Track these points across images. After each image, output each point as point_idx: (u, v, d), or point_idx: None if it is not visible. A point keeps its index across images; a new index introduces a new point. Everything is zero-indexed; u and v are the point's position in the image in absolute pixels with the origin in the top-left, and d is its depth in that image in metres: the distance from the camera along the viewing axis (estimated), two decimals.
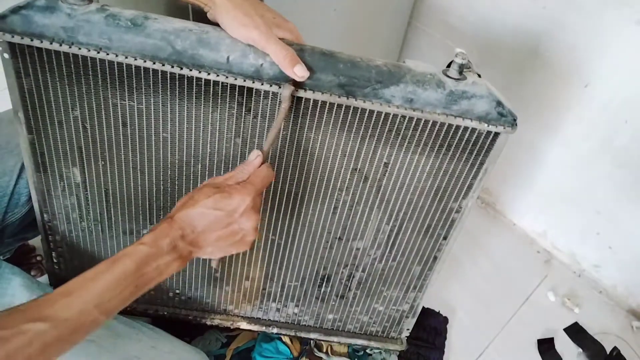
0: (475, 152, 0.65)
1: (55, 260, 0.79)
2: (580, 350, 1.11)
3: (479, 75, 0.63)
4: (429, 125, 0.62)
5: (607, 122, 1.10)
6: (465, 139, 0.63)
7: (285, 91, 0.57)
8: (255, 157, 0.57)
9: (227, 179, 0.55)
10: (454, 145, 0.64)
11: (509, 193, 1.39)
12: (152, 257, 0.50)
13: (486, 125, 0.61)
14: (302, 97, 0.59)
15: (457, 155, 0.65)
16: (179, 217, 0.53)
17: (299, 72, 0.56)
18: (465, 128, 0.62)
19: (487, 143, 0.64)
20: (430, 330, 1.06)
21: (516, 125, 0.61)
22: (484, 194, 1.45)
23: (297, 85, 0.58)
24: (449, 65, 0.62)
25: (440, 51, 1.38)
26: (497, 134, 0.62)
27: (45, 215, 0.73)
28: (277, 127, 0.58)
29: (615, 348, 1.11)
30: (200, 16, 0.61)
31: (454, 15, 1.31)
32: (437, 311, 1.10)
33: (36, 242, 0.99)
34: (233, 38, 0.57)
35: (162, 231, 0.52)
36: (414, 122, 0.62)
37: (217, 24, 0.58)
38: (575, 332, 1.14)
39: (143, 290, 0.51)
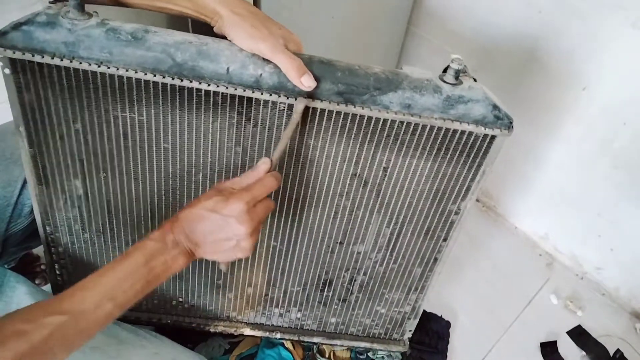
0: (472, 154, 0.65)
1: (58, 272, 0.79)
2: (584, 353, 1.11)
3: (475, 80, 0.64)
4: (427, 130, 0.63)
5: (606, 124, 1.10)
6: (462, 142, 0.64)
7: (299, 105, 0.58)
8: (262, 164, 0.58)
9: (233, 183, 0.57)
10: (451, 149, 0.65)
11: (510, 196, 1.39)
12: (160, 251, 0.55)
13: (483, 128, 0.62)
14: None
15: (455, 158, 0.66)
16: (181, 215, 0.56)
17: (306, 82, 0.57)
18: (463, 132, 0.63)
19: (485, 146, 0.64)
20: (433, 334, 1.06)
21: (512, 127, 0.62)
22: (485, 197, 1.45)
23: (310, 96, 0.59)
24: (445, 71, 0.63)
25: (439, 57, 1.38)
26: (494, 137, 0.63)
27: (47, 228, 0.73)
28: (287, 137, 0.59)
29: (618, 350, 1.11)
30: (199, 29, 0.62)
31: (453, 21, 1.32)
32: (440, 315, 1.10)
33: (40, 251, 1.00)
34: (232, 49, 0.58)
35: (167, 228, 0.56)
36: (412, 127, 0.63)
37: (223, 37, 0.59)
38: (578, 334, 1.14)
39: (153, 285, 0.55)
